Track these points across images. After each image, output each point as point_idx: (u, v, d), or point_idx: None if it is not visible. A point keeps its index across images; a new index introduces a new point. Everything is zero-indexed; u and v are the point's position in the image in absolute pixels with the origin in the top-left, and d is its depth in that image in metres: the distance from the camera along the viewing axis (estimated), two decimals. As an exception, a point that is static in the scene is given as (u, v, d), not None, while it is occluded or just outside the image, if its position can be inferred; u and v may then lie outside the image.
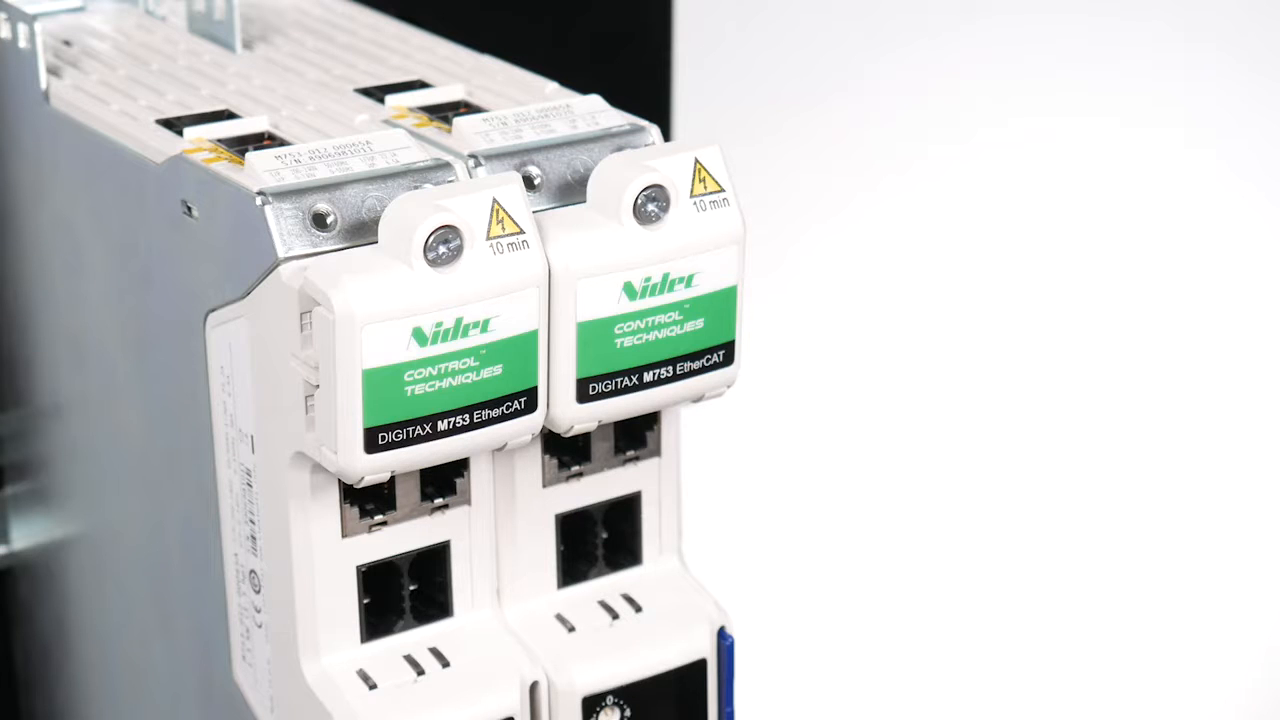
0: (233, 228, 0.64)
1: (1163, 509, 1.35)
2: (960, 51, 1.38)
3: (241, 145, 0.67)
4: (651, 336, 0.65)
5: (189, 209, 0.67)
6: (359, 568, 0.67)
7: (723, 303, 0.66)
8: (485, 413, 0.63)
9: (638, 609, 0.71)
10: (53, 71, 0.76)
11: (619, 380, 0.65)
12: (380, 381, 0.61)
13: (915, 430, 1.37)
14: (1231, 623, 1.31)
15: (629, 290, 0.64)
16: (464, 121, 0.68)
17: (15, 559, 0.88)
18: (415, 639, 0.69)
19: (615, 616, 0.71)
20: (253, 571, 0.68)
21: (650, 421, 0.71)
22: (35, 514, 0.85)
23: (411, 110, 0.71)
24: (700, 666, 0.72)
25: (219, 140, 0.68)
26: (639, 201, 0.64)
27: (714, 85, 1.31)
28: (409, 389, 0.61)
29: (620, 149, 0.68)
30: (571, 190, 0.67)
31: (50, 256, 0.77)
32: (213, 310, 0.66)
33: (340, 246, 0.63)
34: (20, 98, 0.76)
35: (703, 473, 1.07)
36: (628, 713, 0.70)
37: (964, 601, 1.31)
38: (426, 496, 0.68)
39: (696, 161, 0.66)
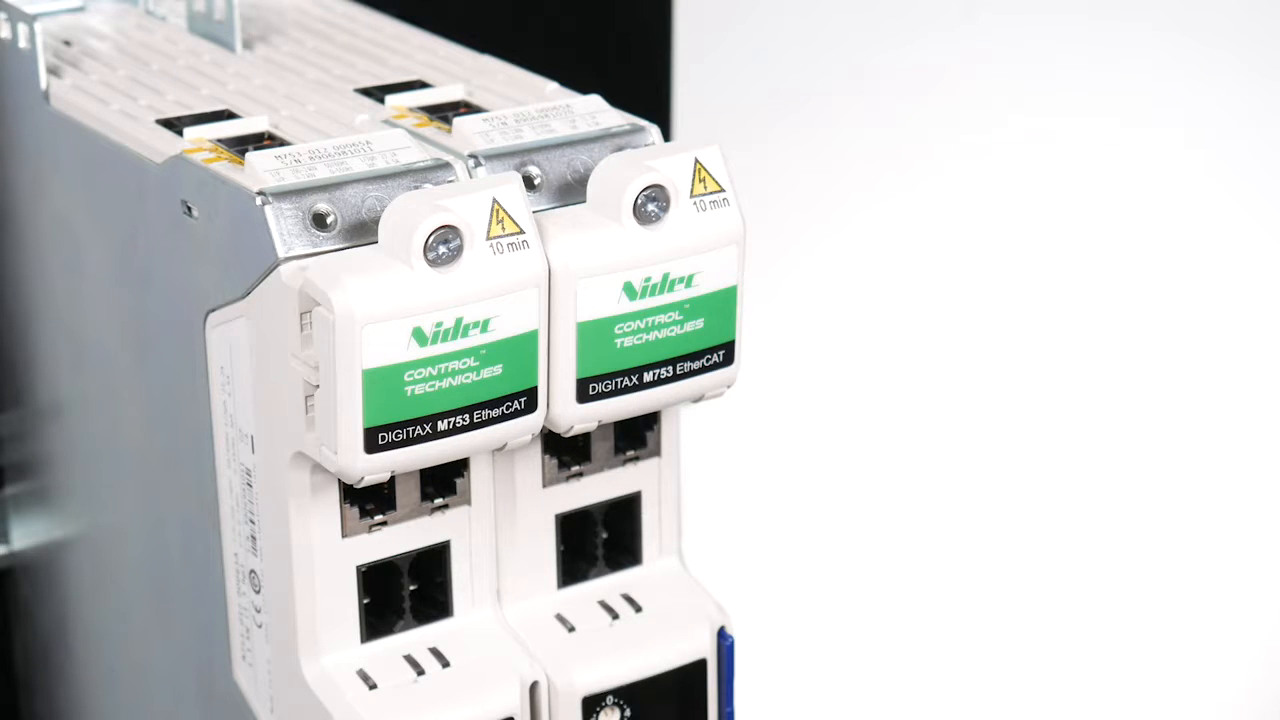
0: (233, 228, 0.64)
1: (1162, 509, 1.35)
2: (960, 51, 1.38)
3: (241, 145, 0.67)
4: (651, 336, 0.65)
5: (189, 209, 0.67)
6: (359, 568, 0.67)
7: (723, 303, 0.66)
8: (485, 413, 0.63)
9: (638, 609, 0.71)
10: (53, 71, 0.76)
11: (619, 380, 0.65)
12: (380, 381, 0.61)
13: (915, 430, 1.37)
14: (1231, 623, 1.31)
15: (629, 290, 0.64)
16: (464, 121, 0.68)
17: (15, 559, 0.88)
18: (415, 639, 0.69)
19: (615, 616, 0.71)
20: (253, 571, 0.68)
21: (650, 421, 0.71)
22: (35, 514, 0.85)
23: (411, 110, 0.71)
24: (700, 666, 0.72)
25: (219, 140, 0.68)
26: (639, 201, 0.64)
27: (714, 85, 1.31)
28: (409, 389, 0.61)
29: (620, 149, 0.68)
30: (571, 190, 0.67)
31: (50, 256, 0.77)
32: (213, 310, 0.66)
33: (340, 246, 0.63)
34: (20, 98, 0.76)
35: (703, 473, 1.07)
36: (628, 713, 0.70)
37: (964, 601, 1.30)
38: (426, 496, 0.68)
39: (696, 161, 0.65)
